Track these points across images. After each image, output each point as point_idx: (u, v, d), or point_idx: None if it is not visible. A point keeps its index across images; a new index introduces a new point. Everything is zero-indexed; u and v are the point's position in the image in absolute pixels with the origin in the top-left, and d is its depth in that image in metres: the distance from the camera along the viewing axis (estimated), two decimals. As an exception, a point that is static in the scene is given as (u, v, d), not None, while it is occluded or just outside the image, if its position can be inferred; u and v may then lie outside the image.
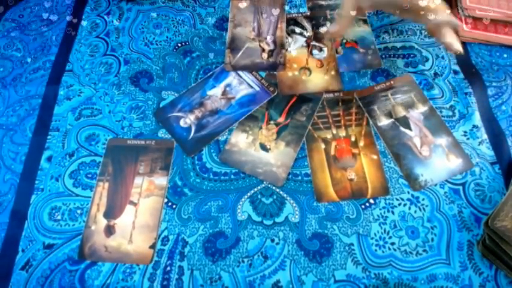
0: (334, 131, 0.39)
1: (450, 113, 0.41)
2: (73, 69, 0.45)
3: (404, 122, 0.40)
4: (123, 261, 0.34)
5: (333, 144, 0.39)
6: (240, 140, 0.39)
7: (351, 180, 0.37)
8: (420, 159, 0.38)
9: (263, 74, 0.44)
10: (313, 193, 0.36)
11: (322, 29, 0.42)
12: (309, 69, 0.44)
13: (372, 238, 0.34)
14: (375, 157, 0.38)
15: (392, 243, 0.34)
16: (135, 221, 0.35)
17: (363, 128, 0.40)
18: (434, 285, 0.32)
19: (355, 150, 0.38)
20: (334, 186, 0.36)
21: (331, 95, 0.42)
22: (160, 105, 0.42)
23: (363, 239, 0.34)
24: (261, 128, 0.40)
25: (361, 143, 0.39)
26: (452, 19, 0.38)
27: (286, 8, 0.49)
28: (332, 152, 0.38)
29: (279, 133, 0.39)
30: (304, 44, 0.46)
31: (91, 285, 0.33)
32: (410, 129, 0.39)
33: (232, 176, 0.38)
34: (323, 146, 0.39)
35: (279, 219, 0.35)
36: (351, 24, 0.41)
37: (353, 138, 0.39)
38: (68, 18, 0.47)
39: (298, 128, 0.40)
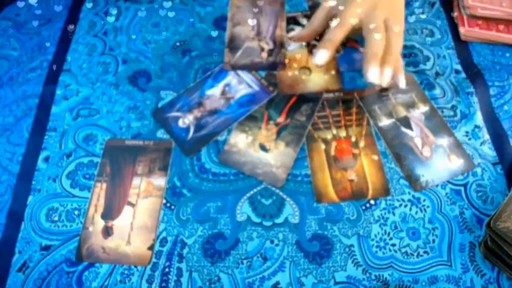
0: (335, 131, 0.39)
1: (452, 113, 0.40)
2: (70, 68, 0.44)
3: (405, 122, 0.39)
4: (121, 263, 0.33)
5: (333, 144, 0.38)
6: (240, 141, 0.39)
7: (351, 180, 0.36)
8: (421, 159, 0.37)
9: (262, 73, 0.43)
10: (313, 194, 0.36)
11: (290, 34, 0.43)
12: (309, 68, 0.43)
13: (373, 239, 0.34)
14: (376, 158, 0.38)
15: (393, 245, 0.34)
16: (133, 222, 0.35)
17: (363, 128, 0.39)
18: (436, 287, 0.32)
19: (356, 151, 0.38)
20: (334, 187, 0.36)
21: (331, 95, 0.41)
22: (159, 105, 0.42)
23: (363, 241, 0.34)
24: (260, 128, 0.40)
25: (362, 144, 0.38)
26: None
27: (286, 7, 0.48)
28: (332, 153, 0.38)
29: (278, 133, 0.39)
30: (304, 43, 0.45)
31: (89, 287, 0.32)
32: (411, 129, 0.39)
33: (231, 177, 0.37)
34: (323, 146, 0.38)
35: (278, 220, 0.35)
36: (315, 36, 0.42)
37: (353, 139, 0.39)
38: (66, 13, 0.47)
39: (298, 128, 0.39)
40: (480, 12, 0.44)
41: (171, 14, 0.48)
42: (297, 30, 0.42)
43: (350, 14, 0.38)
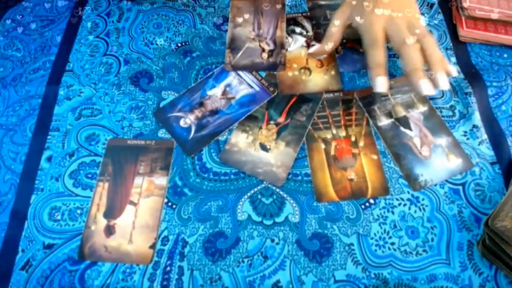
0: (334, 131, 0.39)
1: (450, 113, 0.41)
2: (73, 69, 0.45)
3: (405, 122, 0.40)
4: (123, 261, 0.34)
5: (333, 144, 0.39)
6: (240, 140, 0.39)
7: (351, 180, 0.37)
8: (420, 159, 0.38)
9: (263, 74, 0.44)
10: (313, 193, 0.36)
11: (310, 50, 0.43)
12: (309, 69, 0.44)
13: (372, 238, 0.34)
14: (375, 157, 0.38)
15: (392, 243, 0.34)
16: (135, 221, 0.35)
17: (363, 128, 0.40)
18: (434, 285, 0.32)
19: (355, 150, 0.38)
20: (334, 186, 0.36)
21: (331, 95, 0.42)
22: (160, 105, 0.42)
23: (362, 239, 0.34)
24: (261, 128, 0.40)
25: (361, 143, 0.39)
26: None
27: (286, 8, 0.49)
28: (332, 152, 0.38)
29: (279, 133, 0.39)
30: (304, 44, 0.46)
31: (91, 285, 0.33)
32: (410, 129, 0.39)
33: (232, 176, 0.38)
34: (323, 146, 0.39)
35: (279, 219, 0.35)
36: (337, 44, 0.42)
37: (353, 138, 0.39)
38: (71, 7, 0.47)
39: (298, 128, 0.40)
40: (478, 14, 0.44)
41: (172, 16, 0.49)
42: (316, 47, 0.42)
43: (377, 31, 0.38)
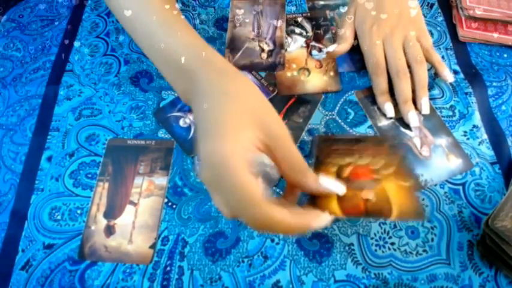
0: (352, 159, 0.32)
1: (450, 113, 0.41)
2: (73, 69, 0.45)
3: (404, 122, 0.40)
4: (123, 261, 0.34)
5: (348, 169, 0.32)
6: (240, 140, 0.39)
7: (367, 200, 0.30)
8: (420, 159, 0.38)
9: (263, 73, 0.44)
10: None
11: (329, 49, 0.43)
12: (308, 69, 0.44)
13: (372, 238, 0.34)
14: (406, 184, 0.30)
15: (392, 243, 0.34)
16: (135, 221, 0.35)
17: (392, 166, 0.31)
18: (434, 285, 0.32)
19: (378, 176, 0.31)
20: (340, 201, 0.29)
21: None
22: (160, 105, 0.42)
23: (362, 239, 0.34)
24: (260, 128, 0.40)
25: (388, 171, 0.31)
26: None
27: (286, 8, 0.49)
28: (345, 175, 0.31)
29: (278, 133, 0.39)
30: (304, 45, 0.46)
31: (91, 285, 0.33)
32: (410, 129, 0.39)
33: (232, 176, 0.37)
34: (333, 169, 0.32)
35: (278, 219, 0.35)
36: (351, 43, 0.43)
37: (377, 167, 0.32)
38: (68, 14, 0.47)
39: (294, 129, 0.40)
40: (478, 14, 0.44)
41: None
42: (334, 46, 0.42)
43: (379, 57, 0.40)
